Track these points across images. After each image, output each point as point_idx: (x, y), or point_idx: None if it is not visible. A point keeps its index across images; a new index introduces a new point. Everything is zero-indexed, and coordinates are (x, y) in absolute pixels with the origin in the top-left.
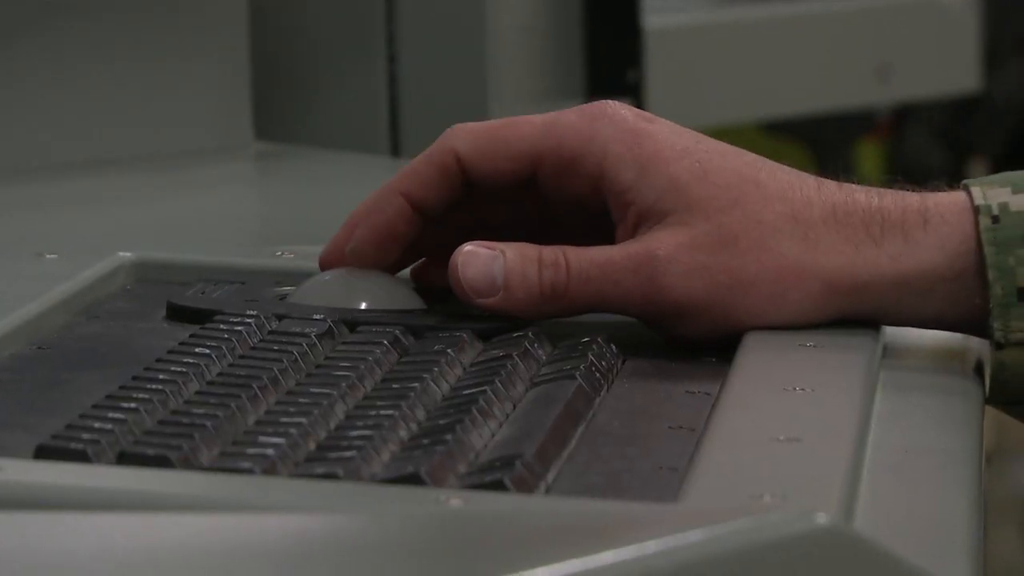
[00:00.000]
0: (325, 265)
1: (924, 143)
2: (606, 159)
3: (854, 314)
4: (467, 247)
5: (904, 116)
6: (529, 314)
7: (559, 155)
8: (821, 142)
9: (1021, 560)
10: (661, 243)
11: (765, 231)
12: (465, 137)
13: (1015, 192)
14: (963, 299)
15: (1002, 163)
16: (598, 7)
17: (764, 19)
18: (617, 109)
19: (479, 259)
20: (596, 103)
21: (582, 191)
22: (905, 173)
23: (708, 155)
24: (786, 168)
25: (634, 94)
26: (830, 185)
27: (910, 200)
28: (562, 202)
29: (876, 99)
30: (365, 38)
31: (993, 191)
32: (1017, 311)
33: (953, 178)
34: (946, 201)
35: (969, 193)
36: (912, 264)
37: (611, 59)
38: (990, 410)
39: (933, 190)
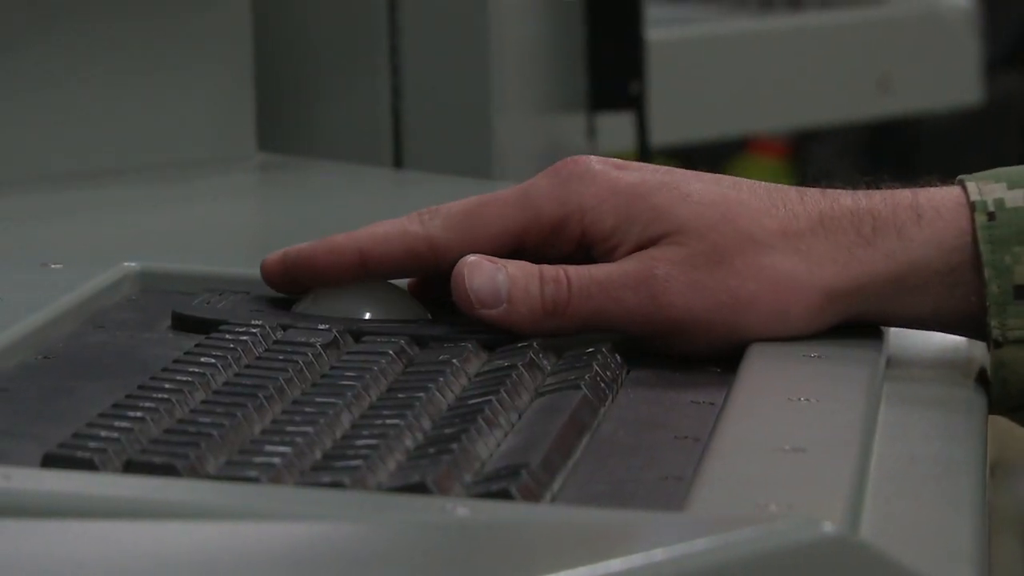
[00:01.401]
0: (266, 267)
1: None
2: (585, 216)
3: (853, 317)
4: (471, 258)
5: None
6: (530, 329)
7: (539, 226)
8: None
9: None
10: (657, 261)
11: (758, 248)
12: (442, 224)
13: (1011, 188)
14: (959, 295)
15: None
16: (601, 19)
17: (766, 31)
18: (587, 164)
19: (484, 270)
20: (564, 163)
21: (567, 250)
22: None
23: (685, 182)
24: (764, 184)
25: (636, 106)
26: (813, 193)
27: (900, 197)
28: (547, 260)
29: (877, 111)
30: (368, 49)
31: (988, 187)
32: (1014, 309)
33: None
34: (939, 196)
35: (964, 188)
36: (906, 260)
37: (614, 71)
38: (993, 421)
39: (923, 186)
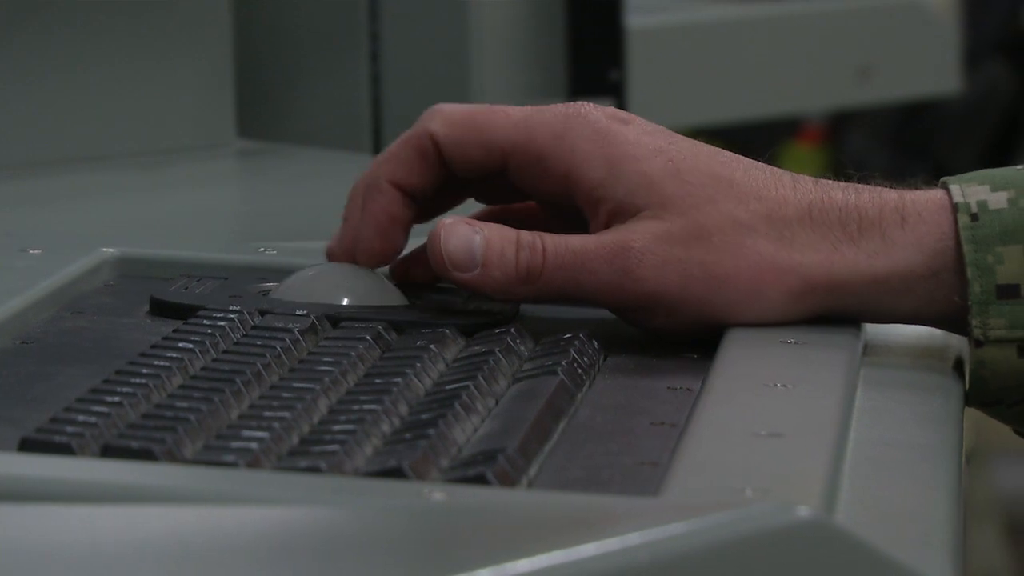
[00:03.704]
0: (333, 260)
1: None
2: (574, 157)
3: (832, 311)
4: (448, 220)
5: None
6: (503, 294)
7: (527, 151)
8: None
9: (999, 558)
10: (635, 235)
11: (740, 229)
12: (442, 120)
13: (994, 190)
14: (941, 297)
15: (971, 165)
16: (581, 7)
17: (746, 19)
18: (591, 109)
19: (460, 232)
20: (573, 103)
21: (552, 189)
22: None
23: (681, 154)
24: (761, 166)
25: (616, 94)
26: (806, 182)
27: (887, 197)
28: (535, 199)
29: (857, 100)
30: (348, 36)
31: (972, 189)
32: (995, 309)
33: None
34: (923, 199)
35: (948, 191)
36: (889, 263)
37: (594, 58)
38: (969, 409)
39: (910, 187)
